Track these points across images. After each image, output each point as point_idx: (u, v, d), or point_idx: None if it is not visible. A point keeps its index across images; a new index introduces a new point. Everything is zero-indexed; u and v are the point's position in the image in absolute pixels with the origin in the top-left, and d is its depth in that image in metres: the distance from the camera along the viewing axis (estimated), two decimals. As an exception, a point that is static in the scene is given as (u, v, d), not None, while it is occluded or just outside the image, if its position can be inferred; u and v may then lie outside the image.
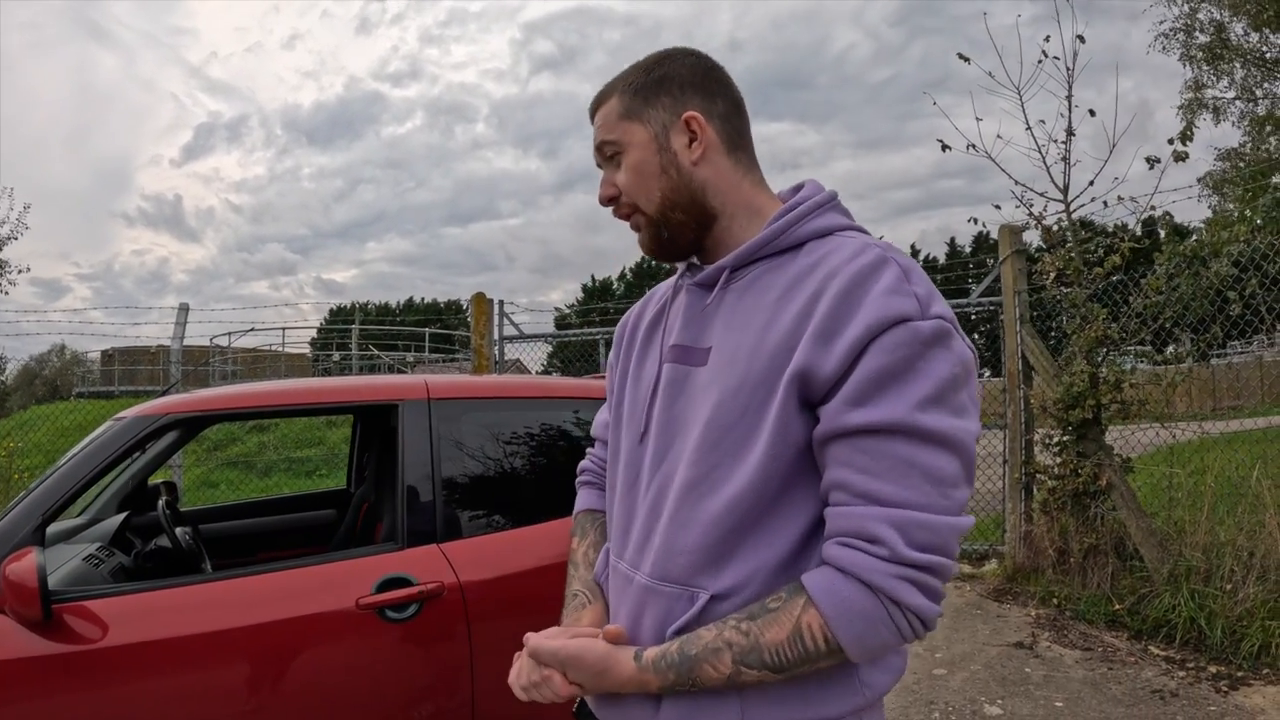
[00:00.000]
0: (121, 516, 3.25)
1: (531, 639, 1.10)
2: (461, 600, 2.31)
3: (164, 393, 3.37)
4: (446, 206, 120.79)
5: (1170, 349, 5.61)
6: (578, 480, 1.44)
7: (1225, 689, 3.67)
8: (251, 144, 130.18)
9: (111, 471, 2.70)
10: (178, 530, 3.09)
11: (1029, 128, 5.73)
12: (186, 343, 8.38)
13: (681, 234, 1.13)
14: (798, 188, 1.16)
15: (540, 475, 2.71)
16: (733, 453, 0.99)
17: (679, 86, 1.12)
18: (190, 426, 2.59)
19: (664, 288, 1.29)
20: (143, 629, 2.11)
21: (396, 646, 2.22)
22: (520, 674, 1.10)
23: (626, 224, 1.18)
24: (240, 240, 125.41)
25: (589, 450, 1.47)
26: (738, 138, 1.14)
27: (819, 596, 0.91)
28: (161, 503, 3.33)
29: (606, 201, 1.17)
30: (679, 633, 1.01)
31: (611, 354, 1.38)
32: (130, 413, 2.53)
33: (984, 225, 6.69)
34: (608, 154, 1.15)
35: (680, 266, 1.21)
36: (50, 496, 2.25)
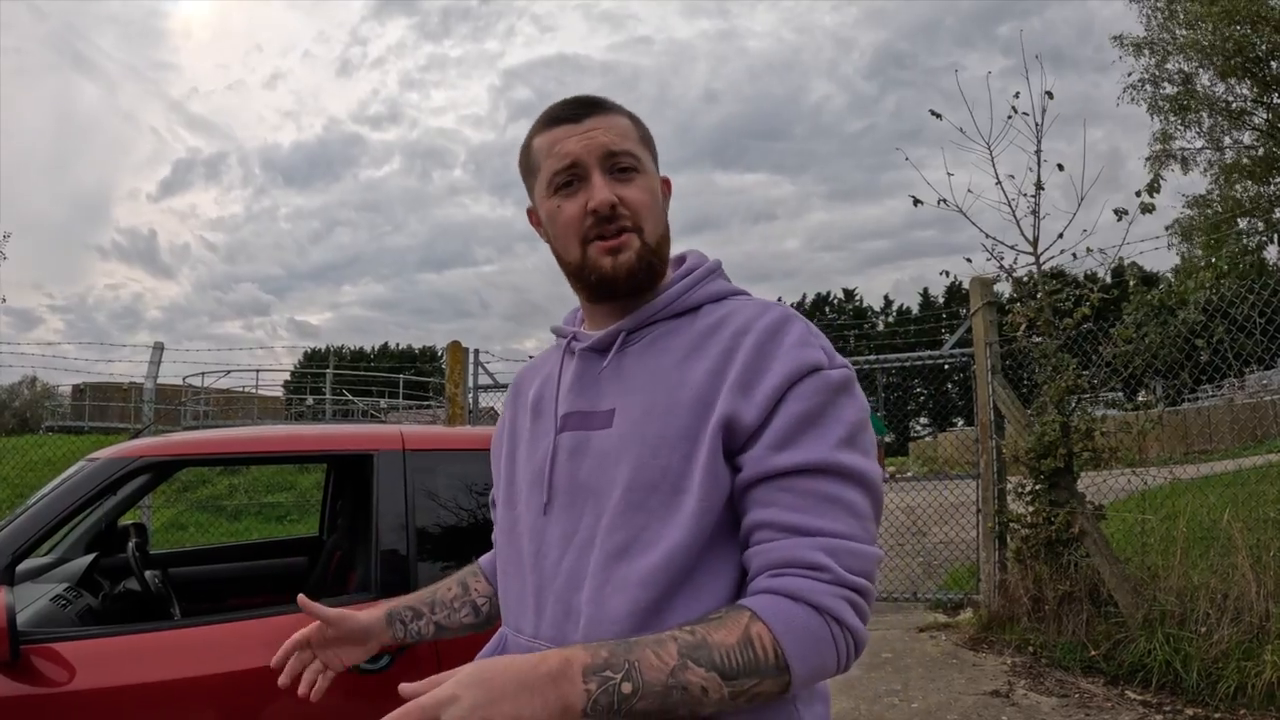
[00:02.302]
0: (90, 557, 3.23)
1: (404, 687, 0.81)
2: (435, 653, 2.31)
3: (136, 434, 3.35)
4: (422, 251, 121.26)
5: (1141, 395, 5.72)
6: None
7: (1201, 732, 3.68)
8: (229, 182, 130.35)
9: (83, 513, 2.67)
10: (147, 574, 3.06)
11: (999, 182, 5.89)
12: (160, 381, 8.32)
13: (650, 275, 1.10)
14: (681, 258, 1.19)
15: None
16: (660, 513, 0.97)
17: (655, 147, 1.17)
18: (164, 470, 2.59)
19: (539, 359, 1.30)
20: (111, 673, 2.10)
21: (368, 697, 2.21)
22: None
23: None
24: (215, 278, 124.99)
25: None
26: None
27: (767, 615, 0.89)
28: (131, 545, 3.29)
29: (605, 208, 1.05)
30: None
31: (496, 431, 1.32)
32: (104, 454, 2.53)
33: (956, 277, 6.87)
34: (623, 164, 1.08)
35: (563, 337, 1.19)
36: (20, 536, 2.24)
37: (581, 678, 0.81)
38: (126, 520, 3.76)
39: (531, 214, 1.19)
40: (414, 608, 1.34)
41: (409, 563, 2.46)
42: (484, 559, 1.42)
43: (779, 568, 0.93)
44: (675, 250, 1.19)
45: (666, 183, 1.18)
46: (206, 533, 10.64)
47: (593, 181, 1.06)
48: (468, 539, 2.62)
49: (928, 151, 6.20)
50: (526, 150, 1.15)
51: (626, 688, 0.82)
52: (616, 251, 1.06)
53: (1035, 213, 5.72)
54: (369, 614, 1.31)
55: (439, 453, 2.74)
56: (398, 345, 69.06)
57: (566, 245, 1.09)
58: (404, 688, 0.79)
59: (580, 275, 1.10)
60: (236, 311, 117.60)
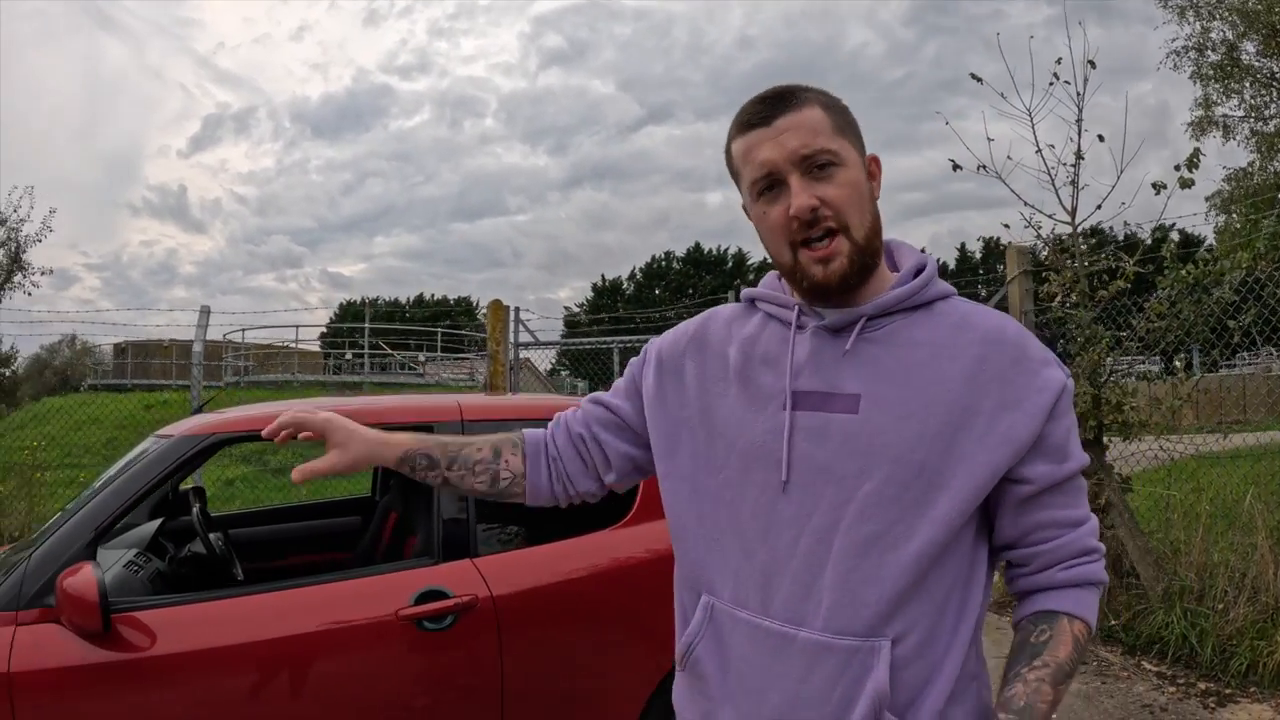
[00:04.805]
0: (156, 523, 3.34)
1: None
2: (494, 612, 2.44)
3: (200, 408, 3.48)
4: (454, 201, 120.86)
5: (1177, 361, 5.71)
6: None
7: (1213, 705, 3.81)
8: (259, 135, 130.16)
9: (161, 488, 2.83)
10: (210, 536, 3.20)
11: (1039, 150, 5.85)
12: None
13: (867, 268, 1.12)
14: (888, 245, 1.23)
15: None
16: (913, 509, 1.05)
17: (856, 124, 1.16)
18: (234, 443, 2.72)
19: (726, 316, 1.28)
20: (194, 638, 2.23)
21: (432, 655, 2.37)
22: None
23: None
24: (247, 232, 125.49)
25: (562, 426, 1.40)
26: None
27: (1080, 611, 1.12)
28: (196, 509, 3.45)
29: (806, 213, 1.07)
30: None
31: (646, 369, 1.32)
32: (178, 431, 2.64)
33: (995, 238, 6.81)
34: (820, 163, 1.08)
35: (786, 306, 1.19)
36: (102, 512, 2.35)
37: None
38: (185, 484, 3.95)
39: (745, 209, 1.21)
40: (431, 456, 1.34)
41: (469, 528, 2.56)
42: (533, 434, 1.40)
43: (1072, 561, 1.12)
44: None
45: (875, 161, 1.17)
46: (254, 488, 10.88)
47: (791, 187, 1.08)
48: (523, 504, 2.71)
49: (968, 101, 6.13)
50: (728, 154, 1.19)
51: None
52: (827, 261, 1.08)
53: (1074, 183, 5.70)
54: (381, 442, 1.32)
55: (495, 422, 2.80)
56: (432, 296, 69.29)
57: (778, 249, 1.13)
58: None
59: (794, 278, 1.14)
60: (269, 264, 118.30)
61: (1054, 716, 1.07)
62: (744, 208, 1.21)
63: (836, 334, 1.13)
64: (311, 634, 2.31)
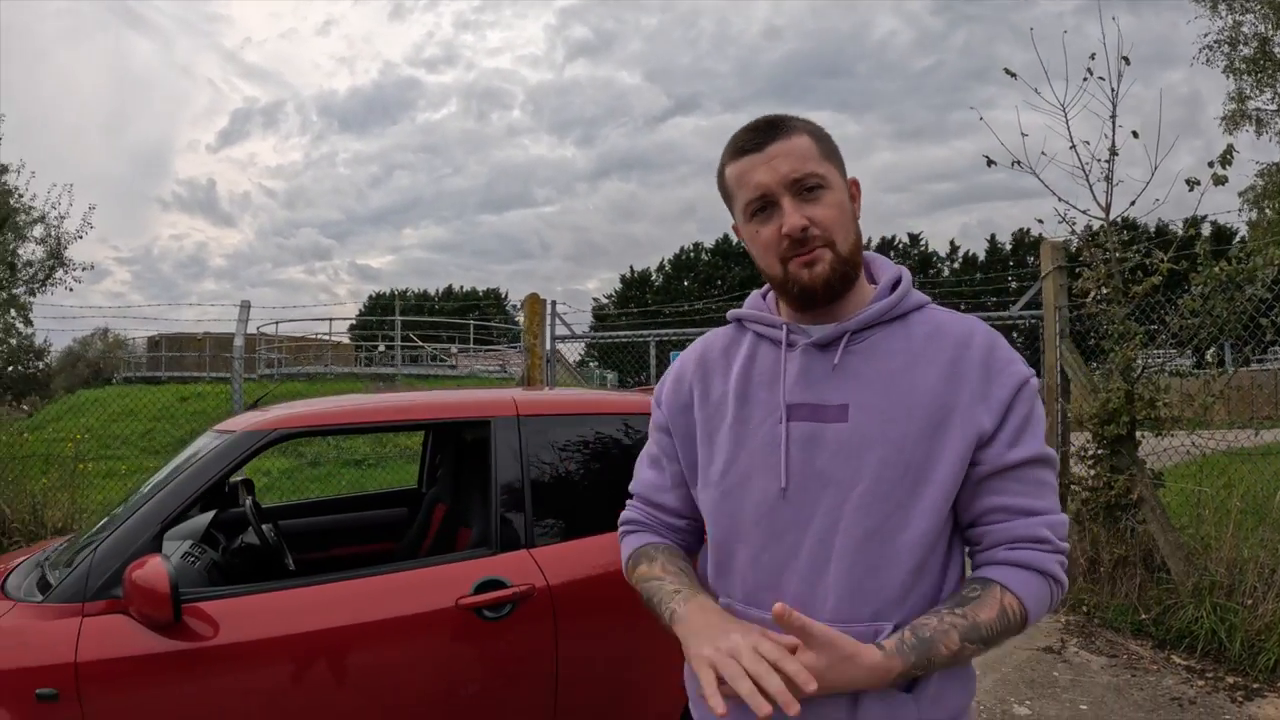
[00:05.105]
0: (210, 515, 3.37)
1: (795, 615, 1.04)
2: (550, 601, 2.53)
3: (255, 404, 3.54)
4: (482, 193, 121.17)
5: (1210, 353, 5.71)
6: (624, 529, 1.48)
7: (1240, 699, 3.87)
8: (287, 129, 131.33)
9: (225, 482, 2.92)
10: (263, 527, 3.26)
11: (1073, 145, 5.86)
12: (230, 329, 8.65)
13: (847, 281, 1.23)
14: (873, 259, 1.35)
15: (619, 484, 2.89)
16: (904, 502, 1.16)
17: (839, 151, 1.27)
18: (295, 438, 2.80)
19: (719, 345, 1.37)
20: (258, 627, 2.28)
21: (491, 643, 2.46)
22: (739, 676, 1.02)
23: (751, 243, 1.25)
24: (276, 225, 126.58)
25: (633, 504, 1.49)
26: None
27: (1014, 587, 1.17)
28: (249, 501, 3.53)
29: (797, 232, 1.18)
30: None
31: (666, 413, 1.40)
32: (239, 426, 2.71)
33: (1025, 230, 6.80)
34: (809, 185, 1.19)
35: (775, 325, 1.29)
36: (169, 505, 2.42)
37: (896, 676, 1.11)
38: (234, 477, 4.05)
39: (736, 229, 1.32)
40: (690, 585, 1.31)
41: (525, 519, 2.66)
42: (649, 537, 1.43)
43: (1016, 542, 1.20)
44: None
45: (855, 184, 1.28)
46: (291, 479, 11.02)
47: (783, 207, 1.19)
48: (576, 496, 2.80)
49: (998, 90, 6.16)
50: (721, 178, 1.29)
51: (921, 674, 1.15)
52: (812, 264, 1.19)
53: (1109, 178, 5.72)
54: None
55: (549, 417, 2.88)
56: (461, 288, 69.48)
57: (769, 263, 1.23)
58: (792, 615, 1.04)
59: (784, 289, 1.25)
60: (298, 257, 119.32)
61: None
62: (734, 227, 1.32)
63: (824, 349, 1.24)
64: (374, 623, 2.36)
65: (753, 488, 1.24)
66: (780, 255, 1.21)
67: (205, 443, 2.77)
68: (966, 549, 1.29)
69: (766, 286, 1.36)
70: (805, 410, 1.21)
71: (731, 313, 1.39)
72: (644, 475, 1.47)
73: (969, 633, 1.13)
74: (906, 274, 1.30)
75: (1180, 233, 5.48)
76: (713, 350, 1.38)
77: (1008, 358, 1.21)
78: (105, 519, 2.79)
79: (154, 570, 2.13)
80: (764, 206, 1.22)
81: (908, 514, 1.17)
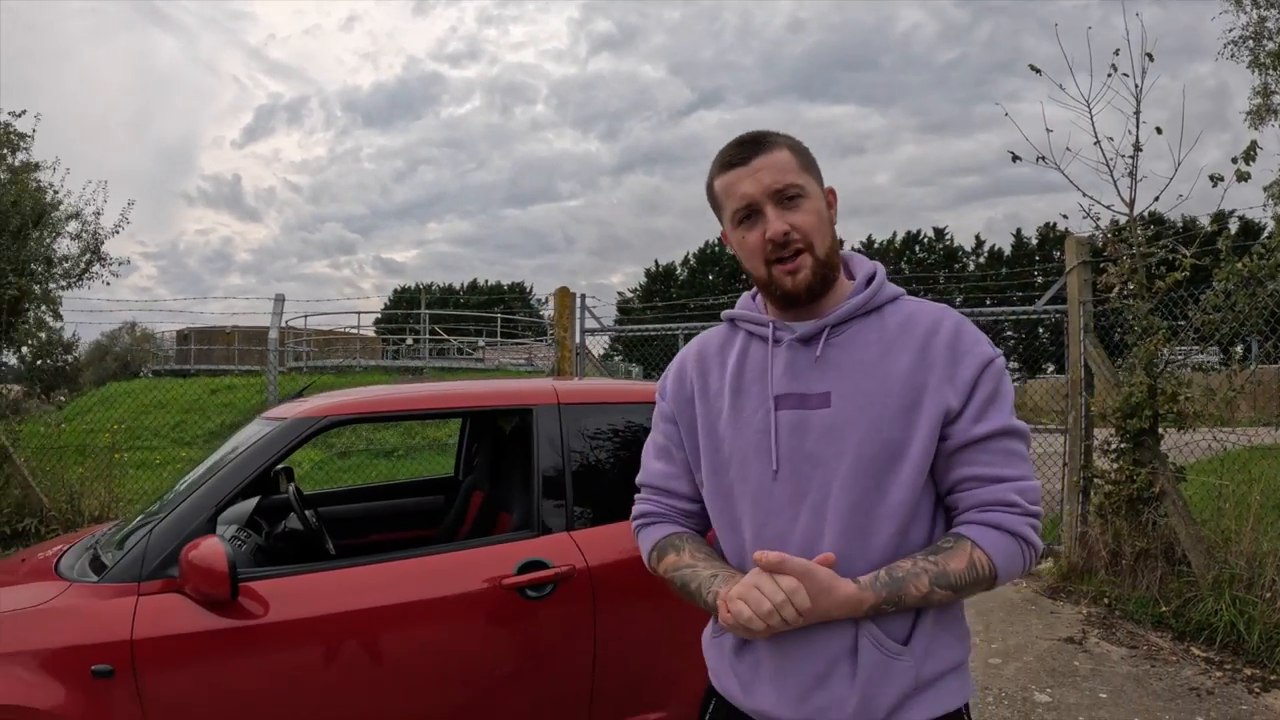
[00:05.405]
0: (254, 500, 3.46)
1: (771, 554, 1.22)
2: (589, 581, 2.64)
3: (299, 393, 3.65)
4: (506, 187, 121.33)
5: (1237, 349, 5.73)
6: (640, 522, 1.57)
7: (1258, 690, 3.93)
8: (311, 125, 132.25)
9: (275, 466, 3.02)
10: (305, 512, 3.36)
11: (1097, 142, 5.89)
12: (257, 322, 8.75)
13: (827, 282, 1.37)
14: (846, 259, 1.46)
15: None
16: (883, 476, 1.28)
17: (816, 163, 1.41)
18: (343, 425, 2.90)
19: (715, 342, 1.50)
20: (308, 605, 2.38)
21: (533, 622, 2.56)
22: (762, 599, 1.21)
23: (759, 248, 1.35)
24: (301, 220, 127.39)
25: (644, 496, 1.58)
26: None
27: (984, 543, 1.28)
28: (291, 488, 3.64)
29: (780, 237, 1.32)
30: None
31: (670, 406, 1.52)
32: (290, 414, 2.78)
33: (1051, 224, 6.79)
34: (790, 195, 1.32)
35: (761, 324, 1.41)
36: (222, 489, 2.52)
37: (868, 607, 1.25)
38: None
39: (724, 235, 1.45)
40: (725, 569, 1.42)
41: (566, 503, 2.76)
42: (669, 528, 1.54)
43: (986, 506, 1.30)
44: None
45: (831, 193, 1.42)
46: (323, 470, 11.17)
47: (766, 215, 1.33)
48: (614, 481, 2.87)
49: (1022, 83, 6.20)
50: (710, 189, 1.43)
51: (892, 609, 1.26)
52: (795, 273, 1.33)
53: (1133, 175, 5.75)
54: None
55: (587, 405, 2.98)
56: (486, 281, 69.66)
57: (754, 266, 1.37)
58: (771, 555, 1.23)
59: (768, 290, 1.39)
60: (323, 251, 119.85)
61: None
62: (723, 234, 1.45)
63: (807, 344, 1.37)
64: (420, 601, 2.47)
65: (750, 472, 1.37)
66: (765, 258, 1.35)
67: (255, 430, 2.86)
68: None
69: (755, 288, 1.49)
70: (792, 399, 1.34)
71: (725, 313, 1.52)
72: (653, 466, 1.57)
73: (939, 578, 1.26)
74: (881, 270, 1.42)
75: (1206, 228, 5.51)
76: (709, 347, 1.51)
77: (973, 340, 1.33)
78: (155, 504, 2.90)
79: (212, 550, 2.22)
80: (749, 215, 1.35)
81: (887, 486, 1.29)
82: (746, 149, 1.36)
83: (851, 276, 1.45)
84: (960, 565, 1.27)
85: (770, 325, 1.41)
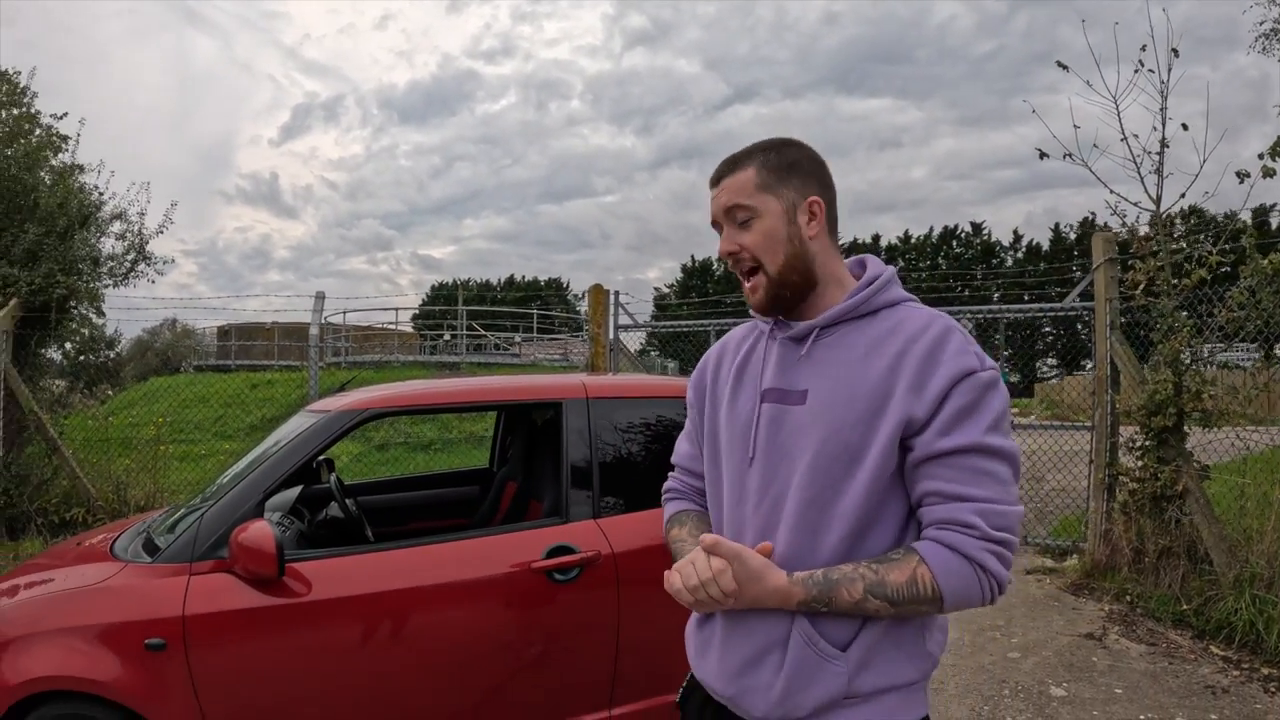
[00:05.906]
0: (297, 489, 3.66)
1: (709, 536, 1.31)
2: (614, 566, 2.76)
3: (342, 387, 3.79)
4: (542, 184, 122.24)
5: (1259, 346, 5.71)
6: (665, 497, 1.71)
7: (1274, 690, 3.96)
8: (348, 123, 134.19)
9: (319, 457, 3.17)
10: (346, 501, 3.52)
11: (1124, 138, 5.89)
12: (296, 318, 8.95)
13: (793, 294, 1.40)
14: (861, 262, 1.49)
15: None
16: (839, 478, 1.29)
17: (805, 173, 1.41)
18: (384, 418, 3.04)
19: (738, 337, 1.59)
20: (349, 584, 2.52)
21: (560, 604, 2.69)
22: (692, 574, 1.31)
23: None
24: (338, 216, 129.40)
25: (673, 474, 1.72)
26: (835, 223, 1.45)
27: (930, 560, 1.24)
28: (333, 478, 3.81)
29: (729, 256, 1.40)
30: None
31: (692, 394, 1.64)
32: (333, 407, 2.91)
33: (1091, 214, 6.77)
34: (738, 218, 1.39)
35: (766, 321, 1.48)
36: (269, 476, 2.67)
37: (797, 602, 1.28)
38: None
39: None
40: None
41: (593, 491, 2.88)
42: (683, 504, 1.66)
43: (941, 524, 1.26)
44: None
45: (815, 203, 1.40)
46: (361, 463, 11.39)
47: (723, 234, 1.44)
48: (639, 471, 2.99)
49: (1060, 75, 5.92)
50: None
51: (824, 609, 1.28)
52: (753, 291, 1.41)
53: (1159, 171, 5.75)
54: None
55: (614, 399, 3.09)
56: (522, 277, 69.88)
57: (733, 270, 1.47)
58: (708, 537, 1.30)
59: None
60: (360, 248, 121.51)
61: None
62: None
63: (798, 342, 1.41)
64: (453, 583, 2.62)
65: (733, 460, 1.45)
66: (732, 270, 1.45)
67: (300, 422, 3.00)
68: None
69: None
70: (775, 394, 1.40)
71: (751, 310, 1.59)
72: (681, 448, 1.70)
73: (874, 587, 1.24)
74: (886, 274, 1.43)
75: (1242, 223, 5.48)
76: (731, 341, 1.60)
77: (956, 351, 1.28)
78: (203, 492, 3.06)
79: (260, 531, 2.38)
80: (720, 229, 1.45)
81: (843, 488, 1.30)
82: (721, 169, 1.44)
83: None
84: (900, 578, 1.24)
85: (771, 323, 1.47)
